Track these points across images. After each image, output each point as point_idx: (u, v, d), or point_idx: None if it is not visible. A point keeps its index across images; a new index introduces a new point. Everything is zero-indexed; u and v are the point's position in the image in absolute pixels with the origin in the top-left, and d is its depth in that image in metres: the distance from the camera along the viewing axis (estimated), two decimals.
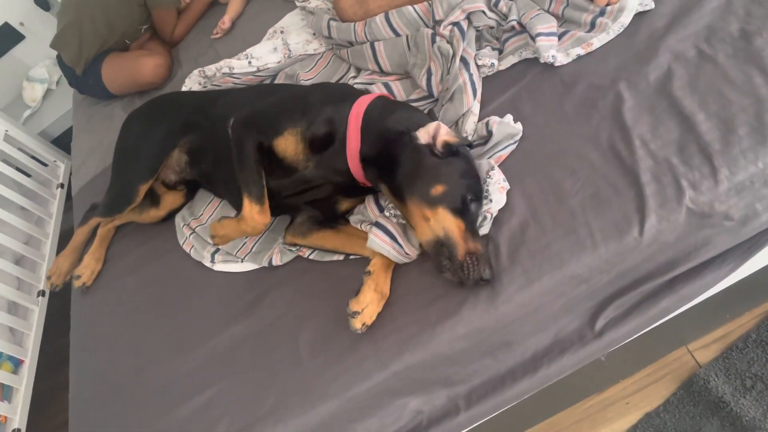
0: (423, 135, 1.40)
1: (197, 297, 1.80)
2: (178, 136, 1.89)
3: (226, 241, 1.65)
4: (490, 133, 1.53)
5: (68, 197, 3.14)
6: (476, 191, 1.38)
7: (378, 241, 1.41)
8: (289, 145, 1.51)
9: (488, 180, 1.43)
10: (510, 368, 1.44)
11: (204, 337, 1.68)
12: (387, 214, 1.50)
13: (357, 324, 1.38)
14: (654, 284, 1.36)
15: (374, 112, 1.50)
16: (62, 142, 3.40)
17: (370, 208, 1.58)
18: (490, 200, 1.40)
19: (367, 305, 1.39)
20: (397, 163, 1.41)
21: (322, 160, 1.52)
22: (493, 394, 1.44)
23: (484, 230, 1.39)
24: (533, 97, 1.58)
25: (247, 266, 1.75)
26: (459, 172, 1.38)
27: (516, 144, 1.52)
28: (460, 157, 1.41)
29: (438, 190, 1.34)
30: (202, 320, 1.73)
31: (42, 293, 2.64)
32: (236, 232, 1.58)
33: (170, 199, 2.02)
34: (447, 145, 1.39)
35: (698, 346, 1.79)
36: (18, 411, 2.31)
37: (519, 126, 1.52)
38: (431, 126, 1.40)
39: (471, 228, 1.33)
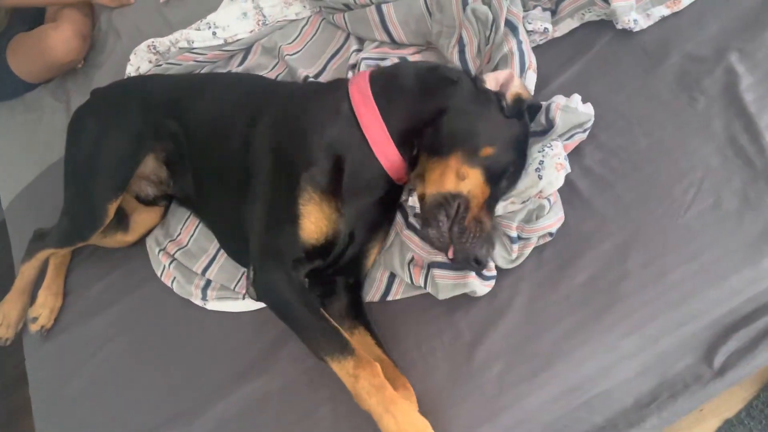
0: (491, 80, 1.16)
1: (191, 344, 1.45)
2: (149, 141, 1.49)
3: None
4: (550, 123, 1.20)
5: None
6: (517, 167, 1.19)
7: (450, 283, 1.13)
8: (318, 219, 1.17)
9: (545, 151, 1.15)
10: (609, 419, 1.18)
11: (209, 396, 1.34)
12: (411, 219, 1.25)
13: None
14: None
15: (385, 83, 1.22)
16: None
17: (408, 239, 1.25)
18: (540, 177, 1.12)
19: None
20: (444, 113, 1.17)
21: (349, 193, 1.20)
22: None
23: (544, 221, 1.12)
24: (608, 73, 1.25)
25: (251, 304, 1.40)
26: (513, 141, 1.19)
27: (586, 132, 1.20)
28: (521, 123, 1.20)
29: (487, 152, 1.15)
30: (203, 375, 1.39)
31: None
32: (380, 406, 1.01)
33: (142, 219, 1.61)
34: (518, 101, 1.18)
35: None
36: None
37: (589, 109, 1.20)
38: (502, 73, 1.18)
39: (491, 202, 1.17)
